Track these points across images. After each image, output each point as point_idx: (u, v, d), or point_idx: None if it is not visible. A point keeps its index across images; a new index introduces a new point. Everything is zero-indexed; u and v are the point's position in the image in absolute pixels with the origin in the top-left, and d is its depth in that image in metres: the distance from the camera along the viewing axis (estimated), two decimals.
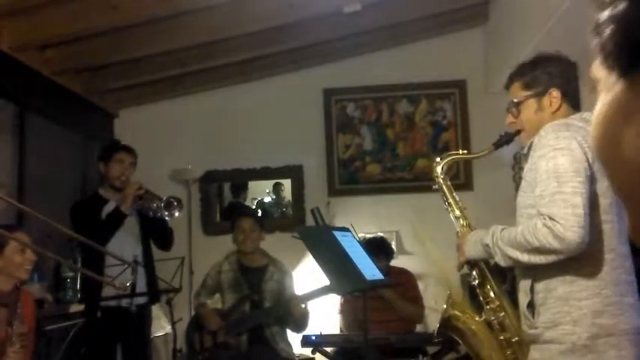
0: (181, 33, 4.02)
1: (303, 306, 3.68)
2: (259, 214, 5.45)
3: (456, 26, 5.01)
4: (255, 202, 6.62)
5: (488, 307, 2.16)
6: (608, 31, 0.50)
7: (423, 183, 4.57)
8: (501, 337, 2.12)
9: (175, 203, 3.75)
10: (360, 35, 4.78)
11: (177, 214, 3.75)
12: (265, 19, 4.06)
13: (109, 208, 3.71)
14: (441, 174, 2.38)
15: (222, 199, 5.78)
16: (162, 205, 3.71)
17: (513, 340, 2.10)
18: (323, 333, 3.78)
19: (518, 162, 4.88)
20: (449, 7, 4.73)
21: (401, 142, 5.14)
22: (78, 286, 4.03)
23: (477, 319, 2.22)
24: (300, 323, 3.73)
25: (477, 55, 5.05)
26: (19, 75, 3.83)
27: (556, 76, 2.06)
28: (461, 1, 4.73)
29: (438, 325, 2.31)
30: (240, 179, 5.62)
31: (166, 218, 3.72)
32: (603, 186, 1.86)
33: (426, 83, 5.07)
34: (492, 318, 2.14)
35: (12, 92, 3.85)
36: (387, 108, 5.17)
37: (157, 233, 3.84)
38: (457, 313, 2.28)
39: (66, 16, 3.57)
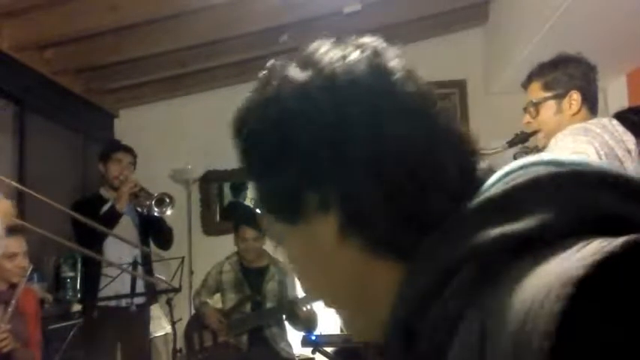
0: (181, 33, 4.01)
1: (308, 307, 3.68)
2: (259, 213, 5.45)
3: (456, 26, 5.00)
4: (254, 202, 6.61)
5: None
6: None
7: None
8: None
9: (167, 200, 3.75)
10: (360, 35, 4.77)
11: (169, 211, 3.76)
12: (265, 19, 4.06)
13: (106, 207, 3.72)
14: None
15: (222, 199, 5.77)
16: (154, 202, 3.72)
17: None
18: (323, 333, 3.78)
19: None
20: (449, 7, 4.72)
21: None
22: (78, 286, 4.03)
23: None
24: (308, 325, 3.73)
25: (477, 55, 5.05)
26: (19, 75, 3.82)
27: (577, 78, 2.04)
28: (461, 1, 4.72)
29: None
30: (240, 179, 5.62)
31: (156, 215, 3.73)
32: None
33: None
34: None
35: (12, 92, 3.85)
36: None
37: (155, 232, 3.84)
38: None
39: (66, 16, 3.57)
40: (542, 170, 0.49)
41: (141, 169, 4.02)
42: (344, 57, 0.58)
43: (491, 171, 0.55)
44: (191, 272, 4.66)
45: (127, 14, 3.62)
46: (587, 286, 0.37)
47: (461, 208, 0.50)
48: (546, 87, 2.07)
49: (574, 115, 2.02)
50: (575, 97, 2.03)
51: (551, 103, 2.06)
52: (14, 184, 2.79)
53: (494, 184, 0.51)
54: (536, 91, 2.09)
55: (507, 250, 0.45)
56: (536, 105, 2.08)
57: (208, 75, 4.96)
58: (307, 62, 0.58)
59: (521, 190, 0.48)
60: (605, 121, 1.97)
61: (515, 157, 5.50)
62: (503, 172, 0.52)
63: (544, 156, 0.52)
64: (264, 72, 0.61)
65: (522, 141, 2.22)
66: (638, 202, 0.46)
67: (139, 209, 3.81)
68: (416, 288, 0.50)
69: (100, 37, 3.90)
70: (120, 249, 3.66)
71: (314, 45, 0.61)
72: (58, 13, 3.56)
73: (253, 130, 0.58)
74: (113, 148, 3.95)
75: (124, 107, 5.21)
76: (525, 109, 2.14)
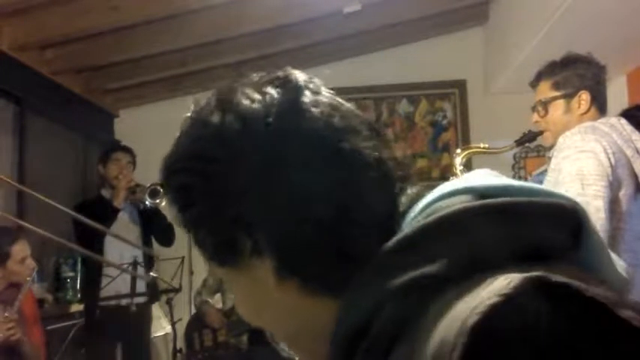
0: (181, 33, 4.01)
1: None
2: None
3: (456, 26, 5.01)
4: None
5: None
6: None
7: (422, 183, 4.57)
8: None
9: (161, 190, 3.76)
10: (360, 35, 4.77)
11: (164, 202, 3.77)
12: (265, 19, 4.06)
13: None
14: (460, 165, 2.38)
15: None
16: (147, 193, 3.74)
17: None
18: None
19: (518, 162, 4.88)
20: (449, 7, 4.73)
21: (401, 142, 5.14)
22: (78, 286, 4.04)
23: None
24: None
25: (477, 55, 5.05)
26: (19, 75, 3.82)
27: (587, 79, 2.04)
28: (461, 1, 4.72)
29: None
30: None
31: (149, 205, 3.74)
32: (620, 193, 1.85)
33: (426, 83, 5.07)
34: None
35: (12, 92, 3.85)
36: (387, 108, 5.17)
37: (156, 228, 3.85)
38: None
39: (66, 16, 3.57)
40: (456, 203, 0.51)
41: (141, 169, 4.02)
42: (263, 98, 0.57)
43: (418, 196, 0.56)
44: (191, 272, 4.65)
45: (127, 14, 3.62)
46: (480, 333, 0.40)
47: (384, 244, 0.52)
48: (556, 86, 2.06)
49: (583, 114, 2.02)
50: (585, 97, 2.02)
51: (561, 103, 2.06)
52: (16, 184, 2.79)
53: (415, 217, 0.53)
54: (546, 90, 2.09)
55: (425, 289, 0.48)
56: (545, 104, 2.08)
57: (208, 75, 4.96)
58: (226, 106, 0.58)
59: (435, 229, 0.50)
60: (613, 120, 1.97)
61: (515, 157, 5.49)
62: (424, 204, 0.54)
63: (461, 183, 0.54)
64: (187, 113, 0.61)
65: (530, 140, 2.22)
66: (547, 226, 0.49)
67: (139, 205, 3.83)
68: (345, 326, 0.52)
69: (100, 37, 3.90)
70: (120, 248, 3.66)
71: (235, 85, 0.60)
72: (58, 13, 3.56)
73: (180, 180, 0.58)
74: (111, 149, 4.00)
75: (124, 107, 5.21)
76: (534, 108, 2.13)
